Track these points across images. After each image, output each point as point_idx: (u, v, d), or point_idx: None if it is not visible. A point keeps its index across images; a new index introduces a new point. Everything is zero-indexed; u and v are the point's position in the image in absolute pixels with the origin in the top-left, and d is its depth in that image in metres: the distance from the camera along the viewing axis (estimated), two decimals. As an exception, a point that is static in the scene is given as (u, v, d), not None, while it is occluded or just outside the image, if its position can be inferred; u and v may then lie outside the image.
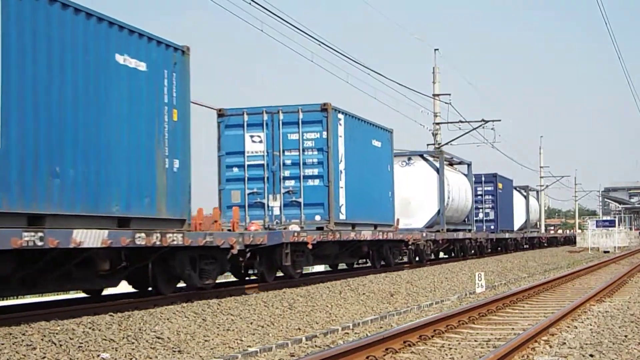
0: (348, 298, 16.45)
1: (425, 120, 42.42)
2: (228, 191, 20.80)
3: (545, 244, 62.69)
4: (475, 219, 40.29)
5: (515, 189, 52.69)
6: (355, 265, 27.80)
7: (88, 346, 9.88)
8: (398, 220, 26.87)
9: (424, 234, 29.20)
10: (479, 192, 43.01)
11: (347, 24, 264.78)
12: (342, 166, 21.24)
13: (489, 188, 43.74)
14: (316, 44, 24.80)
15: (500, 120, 47.09)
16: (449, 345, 11.03)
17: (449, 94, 43.16)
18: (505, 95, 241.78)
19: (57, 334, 10.21)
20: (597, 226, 58.08)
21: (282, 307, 14.21)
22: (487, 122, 44.87)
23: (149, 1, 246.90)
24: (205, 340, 10.94)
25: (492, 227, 43.14)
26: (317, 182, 20.47)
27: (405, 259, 29.02)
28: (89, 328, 10.70)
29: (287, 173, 20.57)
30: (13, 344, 9.63)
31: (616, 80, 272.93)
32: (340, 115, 21.27)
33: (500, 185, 44.28)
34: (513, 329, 12.72)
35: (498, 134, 53.12)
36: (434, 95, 43.07)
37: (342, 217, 21.23)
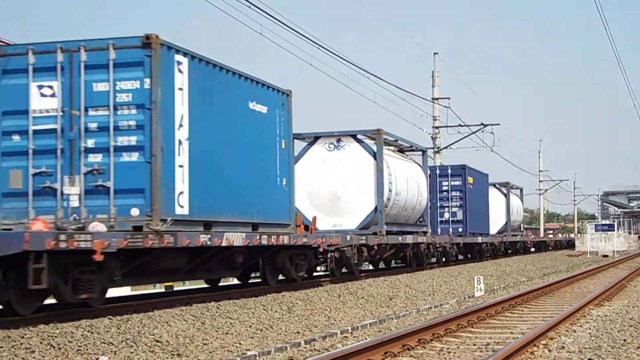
0: (347, 302, 16.45)
1: (425, 124, 42.31)
2: (4, 170, 13.95)
3: (533, 249, 55.77)
4: (439, 219, 35.85)
5: (494, 186, 46.52)
6: (234, 282, 21.84)
7: (87, 349, 9.88)
8: (315, 218, 22.16)
9: (349, 238, 21.77)
10: (444, 188, 36.17)
11: (346, 27, 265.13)
12: (181, 134, 14.30)
13: (457, 182, 36.28)
14: (315, 47, 24.81)
15: (499, 124, 46.85)
16: (447, 349, 11.03)
17: (449, 98, 43.29)
18: (505, 99, 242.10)
19: (55, 337, 10.20)
20: (596, 230, 58.08)
21: (281, 311, 14.20)
22: (486, 125, 44.99)
23: (150, 2, 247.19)
24: (204, 344, 10.94)
25: (460, 229, 36.03)
26: (135, 156, 13.57)
27: (323, 270, 24.34)
28: (88, 331, 10.69)
29: (91, 143, 13.65)
30: (12, 347, 9.63)
31: (615, 84, 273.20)
32: (180, 57, 14.37)
33: (470, 180, 37.02)
34: (512, 332, 12.72)
35: (497, 138, 52.28)
36: (433, 99, 43.14)
37: (182, 211, 14.26)
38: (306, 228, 20.81)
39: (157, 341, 10.65)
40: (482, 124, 44.93)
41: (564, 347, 10.91)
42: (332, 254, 21.23)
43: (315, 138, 25.12)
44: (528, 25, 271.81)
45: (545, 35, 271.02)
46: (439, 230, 34.77)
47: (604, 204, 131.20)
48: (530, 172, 78.83)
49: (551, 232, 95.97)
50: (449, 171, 36.42)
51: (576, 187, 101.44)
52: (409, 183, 27.57)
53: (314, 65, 27.18)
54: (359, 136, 25.18)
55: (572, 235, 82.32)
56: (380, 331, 12.97)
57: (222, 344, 11.10)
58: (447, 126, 43.75)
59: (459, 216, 36.18)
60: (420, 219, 29.90)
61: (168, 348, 10.43)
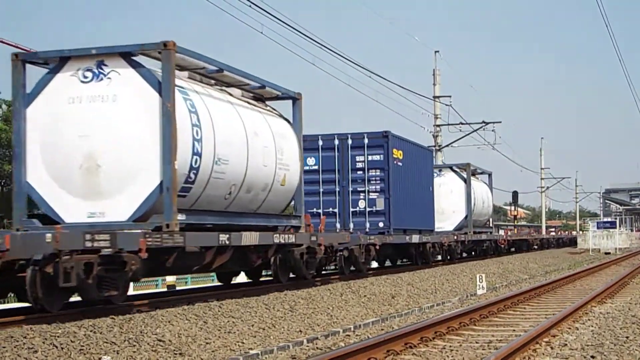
0: (349, 300, 16.45)
1: (426, 122, 42.29)
2: None
3: (511, 249, 46.67)
4: (351, 209, 25.45)
5: (451, 168, 37.62)
6: None
7: (89, 349, 9.88)
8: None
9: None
10: (359, 164, 25.39)
11: (348, 26, 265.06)
12: None
13: (376, 157, 25.41)
14: (316, 46, 24.74)
15: (500, 122, 46.78)
16: (450, 347, 11.03)
17: (450, 96, 43.30)
18: (506, 97, 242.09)
19: (58, 336, 10.21)
20: (598, 228, 58.09)
21: (283, 310, 14.21)
22: (487, 123, 45.03)
23: (151, 3, 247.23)
24: (207, 343, 10.95)
25: (382, 224, 25.39)
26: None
27: None
28: (90, 331, 10.70)
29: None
30: (14, 347, 9.63)
31: (617, 82, 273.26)
32: None
33: (398, 154, 26.34)
34: (514, 330, 12.72)
35: (498, 136, 51.77)
36: (434, 97, 43.18)
37: None
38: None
39: (160, 340, 10.65)
40: (483, 122, 44.99)
41: (566, 344, 10.91)
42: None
43: (62, 60, 13.99)
44: (529, 22, 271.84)
45: (547, 33, 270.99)
46: (351, 225, 25.09)
47: (606, 201, 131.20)
48: (532, 170, 78.77)
49: (552, 230, 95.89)
50: (365, 140, 25.38)
51: (578, 185, 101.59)
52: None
53: (315, 65, 27.20)
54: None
55: (564, 233, 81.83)
56: (382, 329, 12.97)
57: (225, 343, 11.11)
58: (448, 124, 43.80)
59: (380, 205, 25.29)
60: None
61: (170, 347, 10.44)
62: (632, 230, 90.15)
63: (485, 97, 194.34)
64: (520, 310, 15.97)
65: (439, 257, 32.01)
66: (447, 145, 43.55)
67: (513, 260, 35.45)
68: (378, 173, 25.24)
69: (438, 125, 43.28)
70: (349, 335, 12.40)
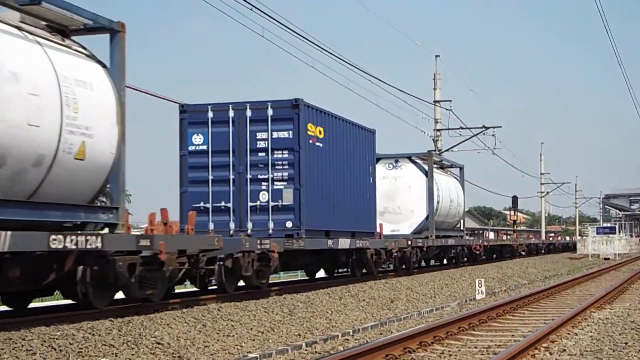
0: (348, 304, 16.45)
1: (426, 127, 42.27)
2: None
3: (493, 256, 42.12)
4: (249, 204, 19.06)
5: (410, 158, 31.10)
6: None
7: (88, 351, 9.88)
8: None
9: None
10: (261, 143, 19.15)
11: (348, 29, 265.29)
12: None
13: (284, 134, 19.11)
14: (317, 49, 24.72)
15: (500, 127, 46.71)
16: (449, 351, 11.02)
17: (450, 101, 43.30)
18: (506, 102, 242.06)
19: (57, 339, 10.21)
20: (597, 233, 58.08)
21: (282, 313, 14.21)
22: (487, 128, 45.01)
23: (152, 4, 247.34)
24: (205, 346, 10.94)
25: (290, 223, 19.02)
26: None
27: None
28: (89, 333, 10.70)
29: None
30: (13, 349, 9.63)
31: (617, 87, 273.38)
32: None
33: (316, 131, 19.89)
34: (513, 335, 12.72)
35: (498, 141, 51.42)
36: (434, 101, 43.19)
37: None
38: None
39: (158, 343, 10.65)
40: (483, 126, 44.97)
41: (565, 350, 10.91)
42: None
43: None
44: (530, 27, 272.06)
45: (547, 37, 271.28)
46: (249, 224, 18.87)
47: (606, 206, 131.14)
48: (532, 175, 78.74)
49: (552, 235, 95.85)
50: (269, 112, 18.95)
51: (578, 190, 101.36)
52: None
53: (316, 68, 27.12)
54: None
55: (557, 238, 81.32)
56: (381, 334, 12.97)
57: (223, 346, 11.10)
58: (448, 129, 43.77)
59: (287, 199, 18.90)
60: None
61: (169, 350, 10.43)
62: (631, 236, 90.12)
63: (485, 102, 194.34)
64: (519, 315, 15.97)
65: (390, 266, 26.60)
66: (447, 150, 43.55)
67: (512, 265, 35.33)
68: (286, 155, 18.99)
69: (438, 130, 43.28)
70: (347, 340, 12.40)
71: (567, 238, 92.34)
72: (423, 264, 32.59)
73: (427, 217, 30.37)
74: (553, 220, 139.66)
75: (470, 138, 44.46)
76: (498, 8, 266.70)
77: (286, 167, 18.98)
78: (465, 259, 35.67)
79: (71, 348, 9.91)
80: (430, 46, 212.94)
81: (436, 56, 43.70)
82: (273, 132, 18.95)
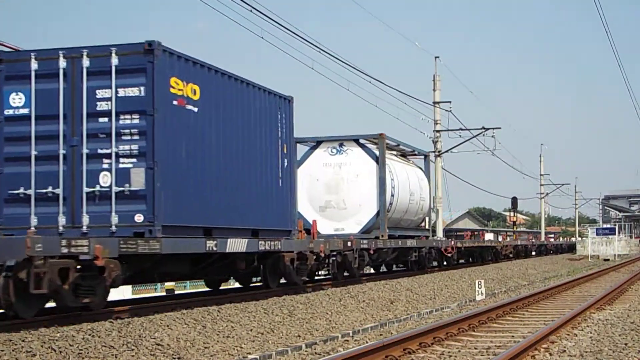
0: (348, 305, 16.45)
1: (426, 128, 42.29)
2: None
3: (470, 259, 38.72)
4: (86, 189, 13.84)
5: (357, 142, 26.24)
6: None
7: (88, 353, 9.88)
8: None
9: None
10: (103, 105, 13.94)
11: (347, 31, 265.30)
12: None
13: (133, 91, 13.84)
14: (316, 51, 24.78)
15: (500, 128, 46.61)
16: (448, 352, 11.02)
17: (450, 102, 43.20)
18: (506, 103, 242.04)
19: (56, 340, 10.21)
20: (597, 234, 58.06)
21: (282, 314, 14.21)
22: (487, 129, 44.93)
23: (153, 4, 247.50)
24: (205, 347, 10.94)
25: (140, 217, 13.63)
26: None
27: None
28: (89, 335, 10.70)
29: None
30: (13, 350, 9.63)
31: (616, 88, 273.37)
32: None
33: (186, 89, 14.74)
34: (513, 336, 12.71)
35: (498, 142, 51.33)
36: (434, 102, 43.13)
37: None
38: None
39: (158, 345, 10.65)
40: (483, 127, 44.86)
41: (565, 350, 10.91)
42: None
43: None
44: (530, 28, 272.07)
45: (547, 39, 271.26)
46: (85, 218, 13.85)
47: (605, 208, 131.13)
48: (532, 176, 78.72)
49: (552, 236, 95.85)
50: (114, 61, 13.91)
51: (577, 191, 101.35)
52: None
53: (315, 69, 27.15)
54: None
55: (550, 239, 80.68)
56: (381, 335, 12.97)
57: (223, 347, 11.11)
58: (448, 130, 43.69)
59: (137, 182, 13.84)
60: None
61: (169, 351, 10.43)
62: (631, 237, 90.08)
63: (485, 103, 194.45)
64: (519, 316, 15.96)
65: (322, 274, 23.71)
66: (446, 151, 43.46)
67: (512, 266, 35.20)
68: (136, 122, 13.89)
69: (438, 131, 43.22)
70: (347, 341, 12.40)
71: (561, 239, 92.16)
72: (384, 268, 30.15)
73: (378, 213, 25.51)
74: (553, 222, 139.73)
75: (469, 139, 44.41)
76: (498, 9, 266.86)
77: (136, 137, 13.85)
78: (435, 263, 31.26)
79: (71, 349, 9.91)
80: (430, 47, 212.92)
81: (436, 57, 43.64)
82: (119, 89, 13.87)
